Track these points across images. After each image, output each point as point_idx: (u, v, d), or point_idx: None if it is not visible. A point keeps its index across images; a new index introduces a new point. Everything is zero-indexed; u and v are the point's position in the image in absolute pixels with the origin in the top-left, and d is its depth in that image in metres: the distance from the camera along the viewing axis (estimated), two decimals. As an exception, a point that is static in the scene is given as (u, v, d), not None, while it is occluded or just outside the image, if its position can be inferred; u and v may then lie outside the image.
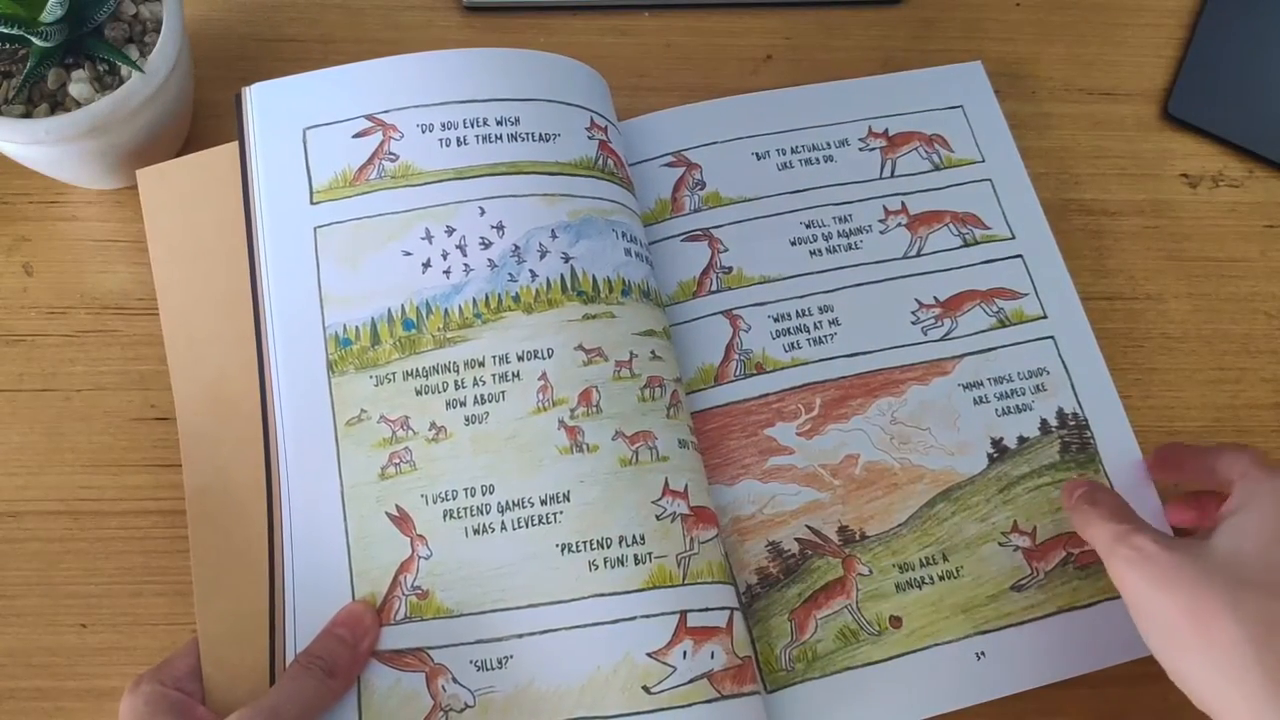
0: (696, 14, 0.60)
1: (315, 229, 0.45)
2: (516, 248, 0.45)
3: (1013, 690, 0.45)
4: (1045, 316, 0.52)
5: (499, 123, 0.47)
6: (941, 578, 0.47)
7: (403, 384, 0.44)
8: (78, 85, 0.46)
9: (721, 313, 0.50)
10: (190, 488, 0.43)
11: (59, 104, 0.46)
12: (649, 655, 0.41)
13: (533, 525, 0.42)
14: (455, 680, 0.40)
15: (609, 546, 0.42)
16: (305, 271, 0.45)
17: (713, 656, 0.42)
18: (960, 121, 0.56)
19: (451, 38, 0.57)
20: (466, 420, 0.43)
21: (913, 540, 0.47)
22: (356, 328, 0.44)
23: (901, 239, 0.53)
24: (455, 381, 0.44)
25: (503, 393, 0.43)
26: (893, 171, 0.54)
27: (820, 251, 0.52)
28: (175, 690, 0.39)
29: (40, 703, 0.45)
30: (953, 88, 0.57)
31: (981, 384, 0.50)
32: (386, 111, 0.46)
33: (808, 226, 0.53)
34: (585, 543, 0.42)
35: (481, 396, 0.43)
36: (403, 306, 0.44)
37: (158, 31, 0.47)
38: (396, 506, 0.42)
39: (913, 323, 0.51)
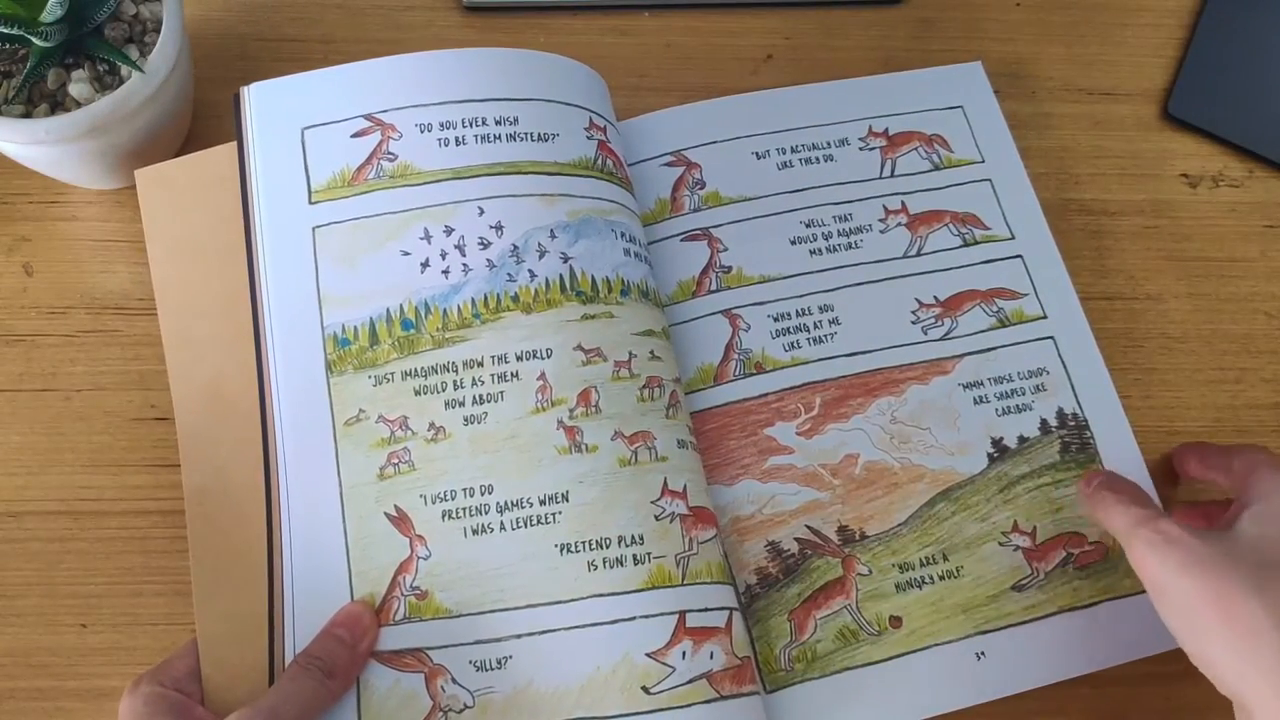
0: (696, 14, 0.60)
1: (314, 229, 0.45)
2: (515, 248, 0.45)
3: (1013, 690, 0.45)
4: (1045, 316, 0.52)
5: (498, 122, 0.47)
6: (942, 577, 0.47)
7: (401, 384, 0.44)
8: (78, 85, 0.46)
9: (721, 312, 0.50)
10: (189, 488, 0.43)
11: (59, 104, 0.46)
12: (648, 655, 0.41)
13: (531, 525, 0.42)
14: (454, 681, 0.40)
15: (608, 547, 0.42)
16: (304, 271, 0.45)
17: (712, 657, 0.42)
18: (960, 121, 0.56)
19: (451, 38, 0.57)
20: (465, 420, 0.43)
21: (913, 540, 0.47)
22: (355, 328, 0.44)
23: (901, 239, 0.53)
24: (454, 381, 0.44)
25: (501, 393, 0.43)
26: (893, 171, 0.54)
27: (820, 251, 0.52)
28: (174, 691, 0.39)
29: (40, 703, 0.45)
30: (952, 87, 0.57)
31: (982, 384, 0.50)
32: (385, 111, 0.46)
33: (807, 226, 0.53)
34: (584, 543, 0.42)
35: (480, 396, 0.43)
36: (401, 306, 0.44)
37: (158, 31, 0.47)
38: (395, 507, 0.42)
39: (913, 322, 0.51)
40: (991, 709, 0.45)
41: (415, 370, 0.44)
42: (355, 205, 0.46)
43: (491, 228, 0.45)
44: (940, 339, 0.51)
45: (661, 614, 0.42)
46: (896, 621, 0.46)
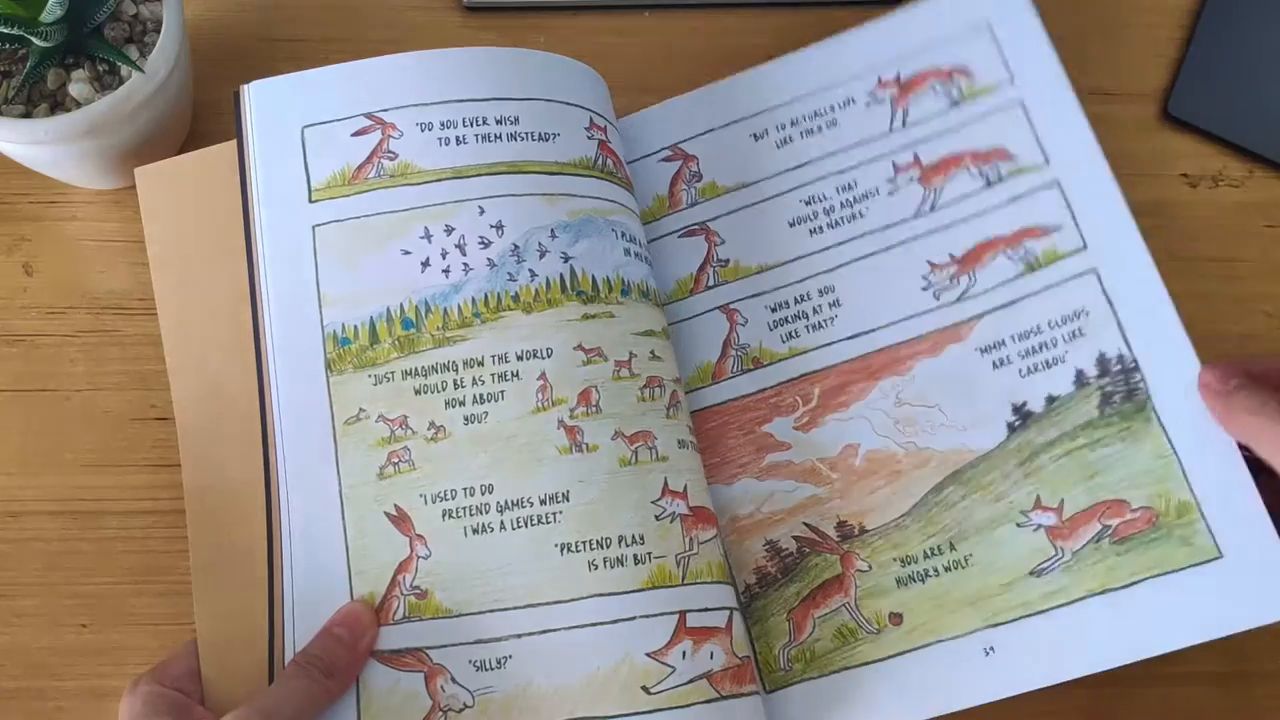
0: (696, 14, 0.60)
1: (314, 228, 0.45)
2: (516, 247, 0.45)
3: (1026, 688, 0.42)
4: (1085, 247, 0.46)
5: (498, 122, 0.47)
6: (947, 569, 0.44)
7: (401, 383, 0.44)
8: (78, 85, 0.46)
9: (718, 308, 0.50)
10: (189, 487, 0.43)
11: (59, 104, 0.46)
12: (648, 655, 0.41)
13: (532, 525, 0.42)
14: (454, 680, 0.40)
15: (608, 546, 0.42)
16: (303, 270, 0.45)
17: (712, 656, 0.42)
18: (986, 42, 0.50)
19: (452, 37, 0.57)
20: (465, 420, 0.43)
21: (917, 531, 0.45)
22: (355, 327, 0.44)
23: (913, 196, 0.49)
24: (454, 381, 0.44)
25: (502, 392, 0.43)
26: (904, 121, 0.50)
27: (821, 229, 0.50)
28: (174, 690, 0.39)
29: (40, 703, 0.45)
30: (977, 4, 0.51)
31: (1003, 343, 0.46)
32: (385, 110, 0.46)
33: (807, 203, 0.50)
34: (584, 543, 0.42)
35: (481, 396, 0.43)
36: (401, 306, 0.44)
37: (158, 31, 0.47)
38: (395, 506, 0.42)
39: (923, 289, 0.47)
40: (992, 708, 0.45)
41: (415, 369, 0.44)
42: (355, 204, 0.46)
43: (492, 227, 0.45)
44: (956, 301, 0.47)
45: (662, 614, 0.42)
46: (897, 618, 0.44)
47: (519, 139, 0.47)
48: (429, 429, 0.43)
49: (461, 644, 0.41)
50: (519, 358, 0.44)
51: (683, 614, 0.42)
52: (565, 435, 0.43)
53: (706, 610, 0.42)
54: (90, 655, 0.46)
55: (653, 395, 0.45)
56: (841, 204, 0.50)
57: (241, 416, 0.43)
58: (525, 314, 0.44)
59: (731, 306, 0.50)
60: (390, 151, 0.46)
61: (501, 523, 0.42)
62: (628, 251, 0.47)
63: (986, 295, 0.47)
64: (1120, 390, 0.45)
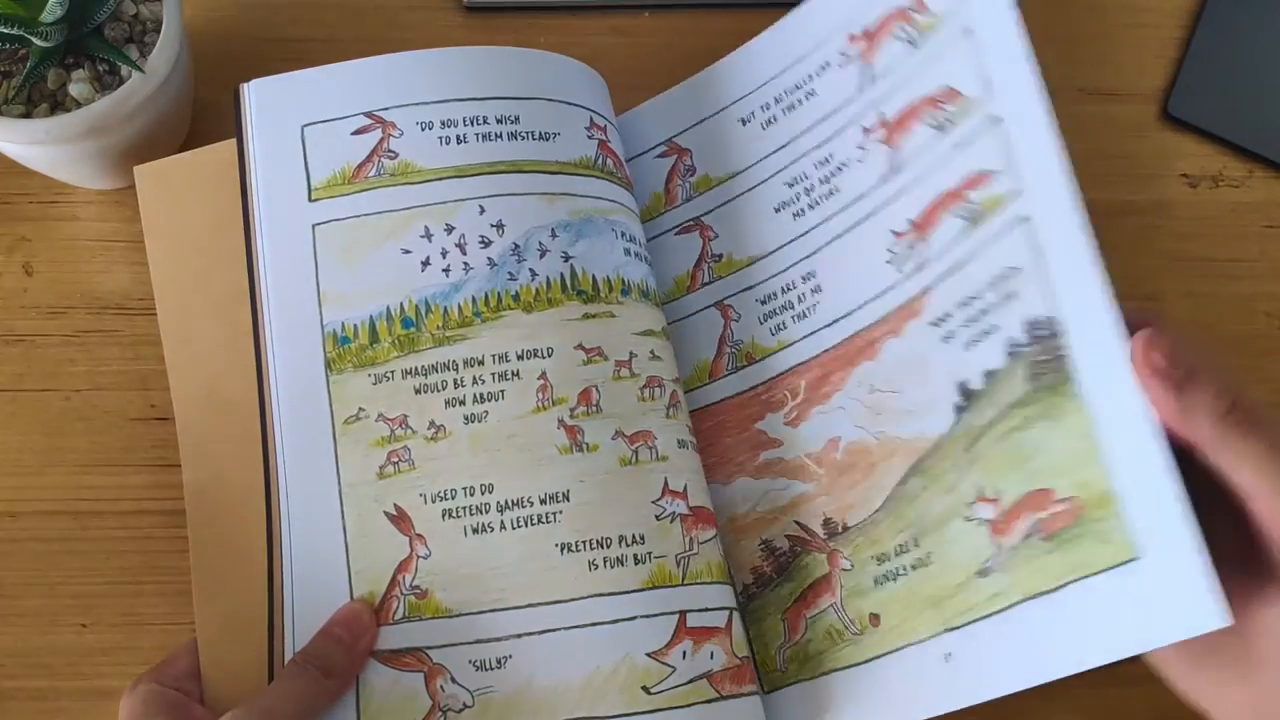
0: (696, 14, 0.60)
1: (313, 226, 0.45)
2: (516, 246, 0.45)
3: (981, 699, 0.39)
4: (1020, 192, 0.41)
5: (499, 121, 0.47)
6: (914, 567, 0.41)
7: (401, 383, 0.44)
8: (78, 85, 0.46)
9: (714, 305, 0.49)
10: (189, 487, 0.43)
11: (59, 104, 0.46)
12: (649, 655, 0.41)
13: (532, 525, 0.42)
14: (454, 680, 0.40)
15: (609, 546, 0.42)
16: (303, 269, 0.45)
17: (712, 657, 0.42)
18: None
19: (451, 37, 0.57)
20: (465, 419, 0.43)
21: (888, 526, 0.42)
22: (355, 326, 0.44)
23: (880, 160, 0.45)
24: (454, 380, 0.43)
25: (502, 391, 0.43)
26: (872, 77, 0.47)
27: (803, 211, 0.47)
28: (174, 690, 0.39)
29: (40, 703, 0.45)
30: None
31: (950, 314, 0.42)
32: (386, 109, 0.46)
33: (790, 185, 0.48)
34: (585, 542, 0.42)
35: (481, 395, 0.43)
36: (401, 305, 0.44)
37: (158, 31, 0.47)
38: (395, 505, 0.42)
39: (887, 262, 0.44)
40: (992, 708, 0.45)
41: (415, 369, 0.44)
42: (355, 203, 0.46)
43: (492, 226, 0.45)
44: (914, 272, 0.43)
45: (662, 614, 0.42)
46: (875, 619, 0.42)
47: (520, 138, 0.47)
48: (429, 428, 0.43)
49: (461, 644, 0.41)
50: (519, 357, 0.44)
51: (683, 614, 0.42)
52: (565, 435, 0.43)
53: (706, 610, 0.42)
54: (90, 655, 0.46)
55: (652, 395, 0.45)
56: (820, 180, 0.47)
57: (241, 416, 0.43)
58: (526, 313, 0.44)
59: (726, 303, 0.49)
60: (390, 150, 0.46)
61: (501, 522, 0.42)
62: (628, 251, 0.47)
63: (938, 261, 0.43)
64: (1045, 360, 0.39)
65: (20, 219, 0.52)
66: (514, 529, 0.42)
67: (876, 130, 0.46)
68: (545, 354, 0.44)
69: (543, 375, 0.44)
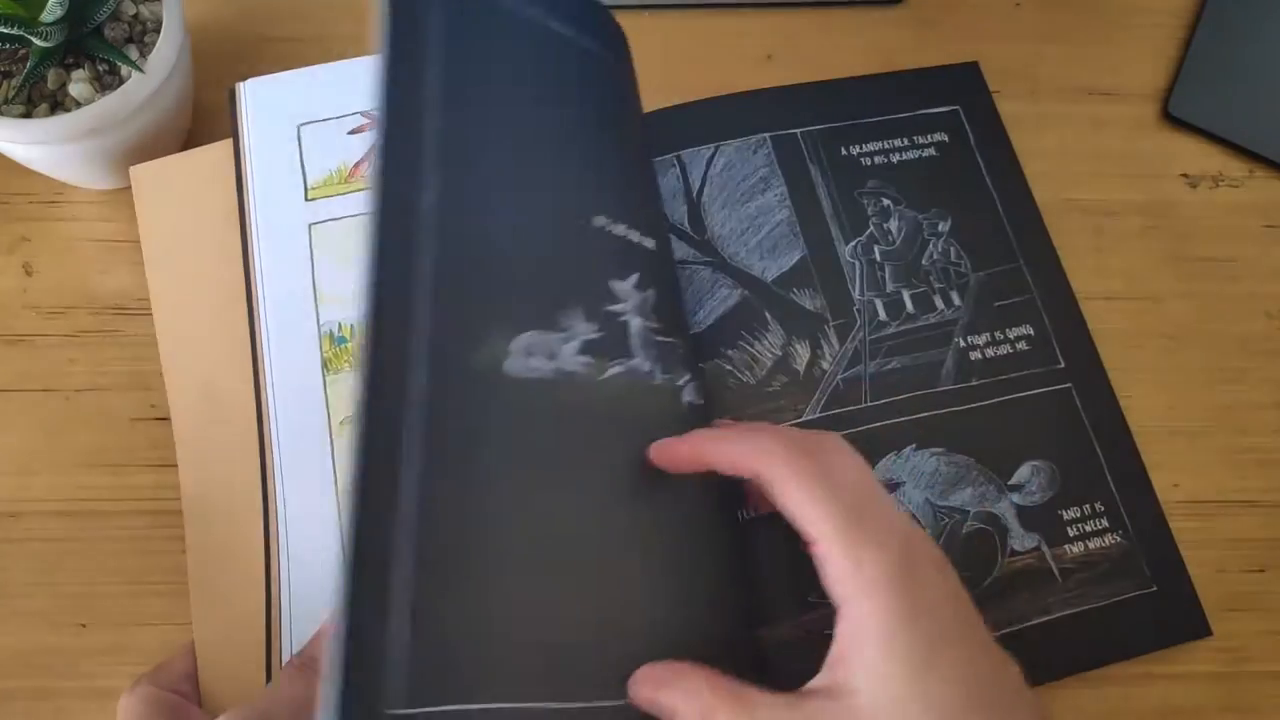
0: (696, 14, 0.60)
1: (309, 226, 0.45)
2: None
3: None
4: None
5: None
6: None
7: None
8: (78, 85, 0.46)
9: None
10: (186, 488, 0.43)
11: (59, 104, 0.46)
12: None
13: None
14: None
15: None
16: (300, 269, 0.45)
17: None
18: None
19: (451, 37, 0.57)
20: None
21: None
22: (352, 326, 0.44)
23: None
24: None
25: None
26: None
27: None
28: (171, 692, 0.39)
29: (40, 703, 0.45)
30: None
31: None
32: None
33: None
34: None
35: None
36: None
37: (158, 31, 0.47)
38: None
39: None
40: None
41: None
42: (352, 202, 0.45)
43: None
44: None
45: None
46: None
47: None
48: None
49: None
50: None
51: None
52: None
53: None
54: (90, 655, 0.46)
55: None
56: None
57: (238, 416, 0.43)
58: None
59: None
60: None
61: None
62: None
63: None
64: None
65: (20, 219, 0.52)
66: None
67: None
68: None
69: None
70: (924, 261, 0.52)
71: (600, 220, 0.42)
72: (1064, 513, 0.48)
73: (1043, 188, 0.55)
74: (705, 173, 0.53)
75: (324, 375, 0.44)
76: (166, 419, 0.48)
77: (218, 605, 0.41)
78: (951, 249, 0.53)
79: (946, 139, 0.55)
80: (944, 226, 0.53)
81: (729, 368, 0.49)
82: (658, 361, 0.41)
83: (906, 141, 0.55)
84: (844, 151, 0.54)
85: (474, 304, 0.37)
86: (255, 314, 0.44)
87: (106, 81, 0.46)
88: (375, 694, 0.31)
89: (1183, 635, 0.48)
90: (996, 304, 0.52)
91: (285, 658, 0.40)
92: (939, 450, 0.49)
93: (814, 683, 0.34)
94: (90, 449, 0.49)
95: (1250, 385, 0.54)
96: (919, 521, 0.47)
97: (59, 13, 0.43)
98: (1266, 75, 0.59)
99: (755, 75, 0.57)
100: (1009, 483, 0.49)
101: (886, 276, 0.52)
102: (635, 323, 0.41)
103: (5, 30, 0.43)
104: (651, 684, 0.35)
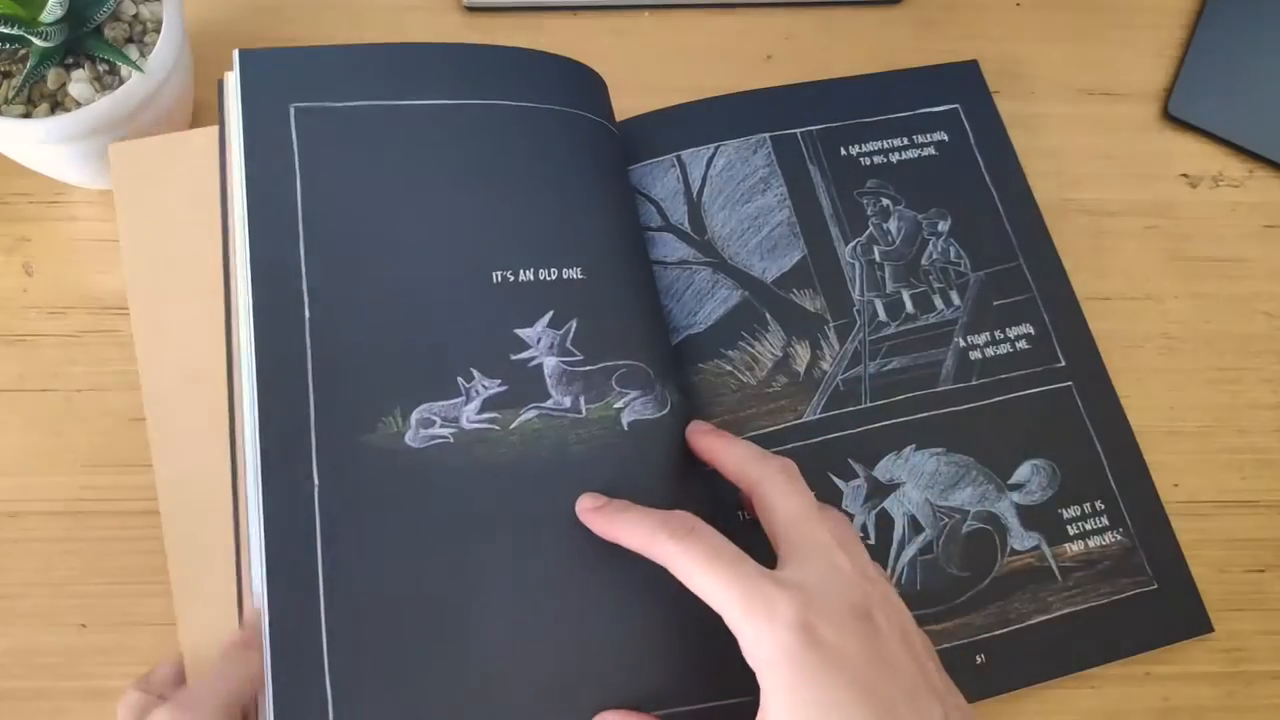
0: (696, 14, 0.60)
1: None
2: None
3: None
4: None
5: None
6: None
7: None
8: (78, 85, 0.46)
9: None
10: (161, 485, 0.41)
11: (59, 104, 0.46)
12: None
13: None
14: None
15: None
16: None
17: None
18: None
19: (451, 38, 0.57)
20: None
21: None
22: None
23: None
24: None
25: None
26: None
27: None
28: (158, 697, 0.39)
29: (40, 703, 0.45)
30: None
31: None
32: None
33: None
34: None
35: None
36: None
37: (158, 31, 0.47)
38: None
39: None
40: (991, 709, 0.45)
41: None
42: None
43: None
44: None
45: None
46: None
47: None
48: None
49: None
50: None
51: None
52: None
53: None
54: (90, 655, 0.46)
55: None
56: None
57: (213, 408, 0.42)
58: None
59: None
60: None
61: None
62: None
63: None
64: None
65: (20, 219, 0.52)
66: None
67: None
68: None
69: None
70: (924, 261, 0.52)
71: (500, 274, 0.43)
72: (1064, 511, 0.48)
73: (1043, 187, 0.55)
74: (705, 173, 0.53)
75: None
76: (167, 419, 0.48)
77: (199, 606, 0.41)
78: (951, 248, 0.53)
79: (946, 138, 0.55)
80: (944, 226, 0.53)
81: (729, 368, 0.49)
82: (581, 394, 0.42)
83: (906, 141, 0.55)
84: (843, 151, 0.54)
85: (362, 388, 0.40)
86: (231, 295, 0.43)
87: (106, 81, 0.46)
88: None
89: (1185, 631, 0.48)
90: (996, 303, 0.52)
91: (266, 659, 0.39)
92: (939, 450, 0.49)
93: None
94: (90, 449, 0.49)
95: (1250, 385, 0.54)
96: (921, 523, 0.47)
97: (59, 13, 0.43)
98: (1266, 75, 0.59)
99: (755, 75, 0.57)
100: (1009, 482, 0.49)
101: (886, 276, 0.52)
102: (549, 363, 0.42)
103: (5, 30, 0.43)
104: None
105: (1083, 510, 0.49)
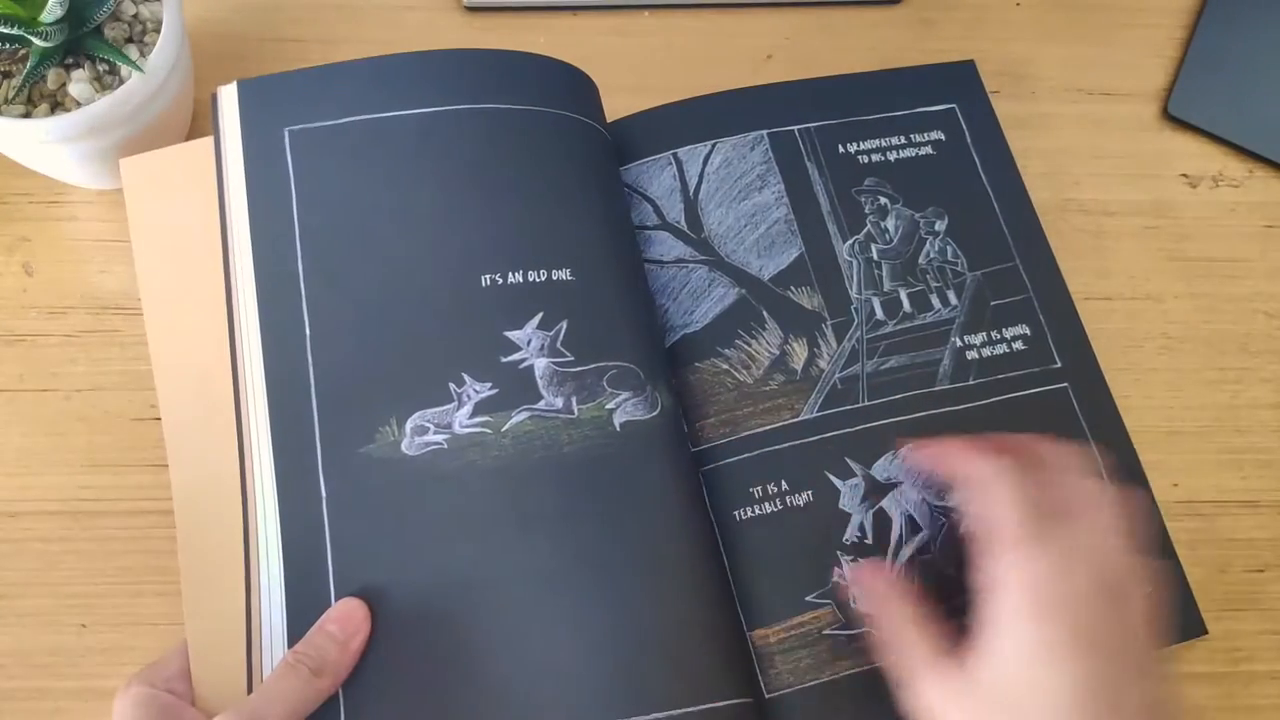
0: (696, 14, 0.60)
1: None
2: None
3: None
4: None
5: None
6: None
7: None
8: (78, 85, 0.46)
9: None
10: (176, 486, 0.42)
11: (59, 104, 0.46)
12: None
13: None
14: None
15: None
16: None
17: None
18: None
19: (452, 38, 0.58)
20: None
21: None
22: None
23: None
24: None
25: None
26: None
27: None
28: (165, 691, 0.39)
29: (40, 703, 0.45)
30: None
31: None
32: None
33: None
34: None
35: None
36: None
37: (158, 31, 0.47)
38: None
39: None
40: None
41: None
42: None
43: None
44: None
45: None
46: None
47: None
48: None
49: None
50: None
51: None
52: None
53: None
54: (90, 655, 0.46)
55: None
56: None
57: (226, 413, 0.43)
58: None
59: None
60: None
61: None
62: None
63: None
64: None
65: (20, 219, 0.52)
66: None
67: None
68: None
69: None
70: (921, 260, 0.52)
71: (489, 278, 0.43)
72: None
73: (1043, 188, 0.55)
74: (702, 170, 0.53)
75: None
76: (165, 418, 0.48)
77: (209, 603, 0.41)
78: (948, 248, 0.53)
79: (943, 137, 0.55)
80: (941, 225, 0.53)
81: (726, 366, 0.49)
82: (573, 395, 0.43)
83: (903, 140, 0.55)
84: (841, 149, 0.54)
85: (359, 399, 0.42)
86: (234, 311, 0.44)
87: (106, 81, 0.47)
88: None
89: (1179, 634, 0.48)
90: (993, 303, 0.52)
91: (265, 656, 0.40)
92: (937, 450, 0.49)
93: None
94: (90, 449, 0.49)
95: (1250, 385, 0.54)
96: (919, 522, 0.47)
97: (59, 13, 0.43)
98: (1266, 75, 0.59)
99: (755, 75, 0.57)
100: None
101: (884, 275, 0.52)
102: (540, 364, 0.43)
103: (5, 30, 0.43)
104: None
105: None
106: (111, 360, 0.50)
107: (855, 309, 0.51)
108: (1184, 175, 0.58)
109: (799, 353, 0.50)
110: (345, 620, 0.39)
